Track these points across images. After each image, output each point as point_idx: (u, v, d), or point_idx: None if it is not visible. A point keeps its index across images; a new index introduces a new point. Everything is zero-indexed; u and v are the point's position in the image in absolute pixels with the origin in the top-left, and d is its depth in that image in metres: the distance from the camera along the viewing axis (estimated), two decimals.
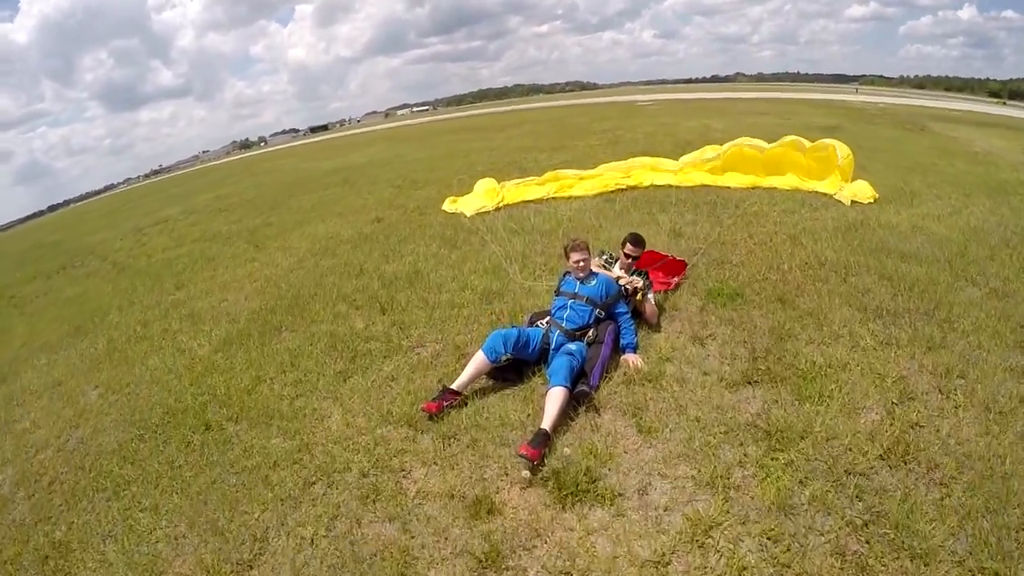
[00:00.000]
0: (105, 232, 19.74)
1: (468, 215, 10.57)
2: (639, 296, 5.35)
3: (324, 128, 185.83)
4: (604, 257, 5.98)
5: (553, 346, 4.78)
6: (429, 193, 13.79)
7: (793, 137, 11.06)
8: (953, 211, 8.95)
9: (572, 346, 4.53)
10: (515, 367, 4.78)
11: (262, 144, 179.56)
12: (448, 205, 11.65)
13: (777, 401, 4.24)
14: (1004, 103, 73.11)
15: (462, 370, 4.68)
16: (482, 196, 11.46)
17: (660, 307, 5.65)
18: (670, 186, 11.13)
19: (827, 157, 10.50)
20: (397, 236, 10.00)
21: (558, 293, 5.17)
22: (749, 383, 4.52)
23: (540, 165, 15.76)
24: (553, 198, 11.17)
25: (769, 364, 4.71)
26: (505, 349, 4.57)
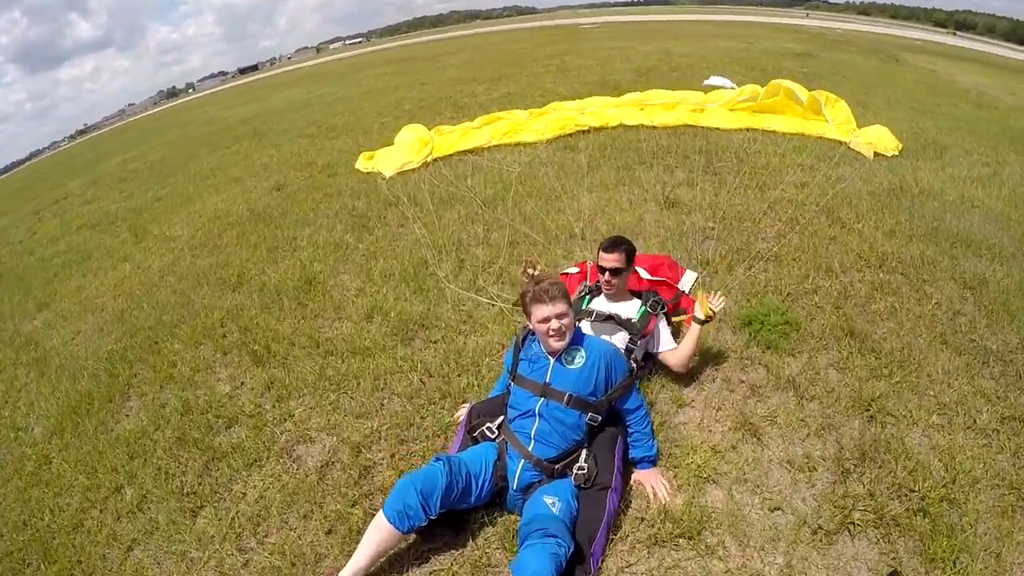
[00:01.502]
0: (9, 216, 16.54)
1: (387, 175, 8.21)
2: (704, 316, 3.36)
3: (254, 68, 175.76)
4: (581, 291, 3.85)
5: (515, 485, 2.71)
6: (345, 144, 11.30)
7: (788, 84, 9.14)
8: (992, 172, 7.43)
9: (552, 503, 2.46)
10: (447, 515, 2.65)
11: (190, 91, 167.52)
12: (363, 163, 9.20)
13: (895, 571, 2.49)
14: (954, 34, 73.72)
15: (359, 531, 2.68)
16: (406, 149, 8.99)
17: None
18: (643, 126, 9.05)
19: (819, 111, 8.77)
20: (295, 214, 7.62)
21: (515, 378, 2.97)
22: (847, 528, 2.68)
23: (478, 100, 13.36)
24: (497, 146, 8.88)
25: (870, 483, 2.89)
26: (427, 511, 2.45)
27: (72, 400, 4.62)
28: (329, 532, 2.88)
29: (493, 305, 4.50)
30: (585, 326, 3.43)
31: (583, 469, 2.70)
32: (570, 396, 2.78)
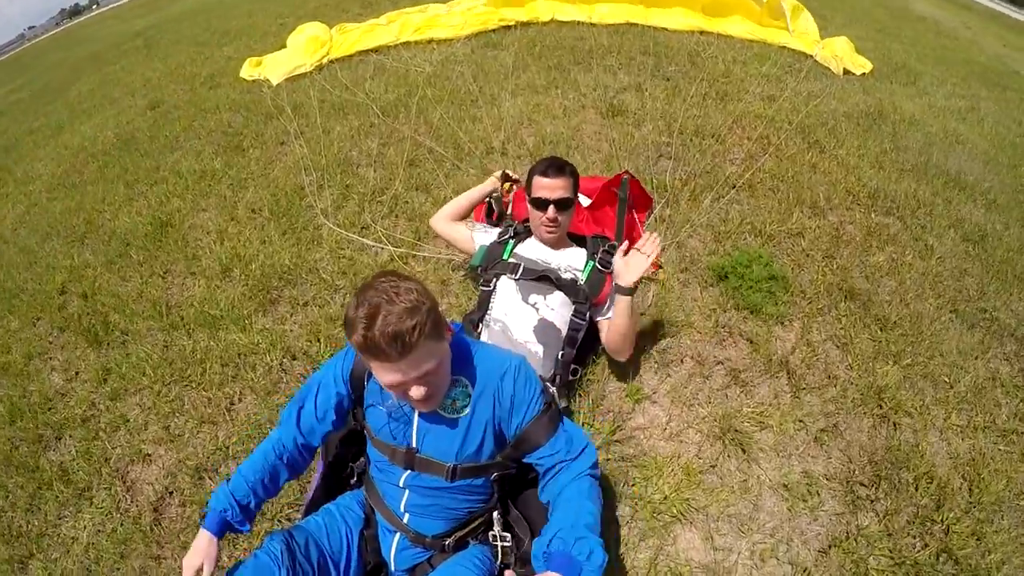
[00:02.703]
0: None
1: (274, 83, 6.86)
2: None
3: None
4: (503, 233, 2.70)
5: (394, 566, 1.77)
6: (235, 50, 9.66)
7: None
8: (969, 106, 6.91)
9: None
10: None
11: (94, 7, 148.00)
12: (248, 70, 7.67)
13: None
14: None
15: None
16: (298, 51, 7.52)
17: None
18: (579, 23, 7.94)
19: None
20: (165, 136, 6.19)
21: (368, 435, 1.80)
22: None
23: None
24: (406, 44, 7.57)
25: (885, 515, 2.25)
26: None
27: None
28: None
29: (382, 249, 3.51)
30: (507, 285, 2.44)
31: (507, 541, 1.75)
32: (454, 468, 1.68)
